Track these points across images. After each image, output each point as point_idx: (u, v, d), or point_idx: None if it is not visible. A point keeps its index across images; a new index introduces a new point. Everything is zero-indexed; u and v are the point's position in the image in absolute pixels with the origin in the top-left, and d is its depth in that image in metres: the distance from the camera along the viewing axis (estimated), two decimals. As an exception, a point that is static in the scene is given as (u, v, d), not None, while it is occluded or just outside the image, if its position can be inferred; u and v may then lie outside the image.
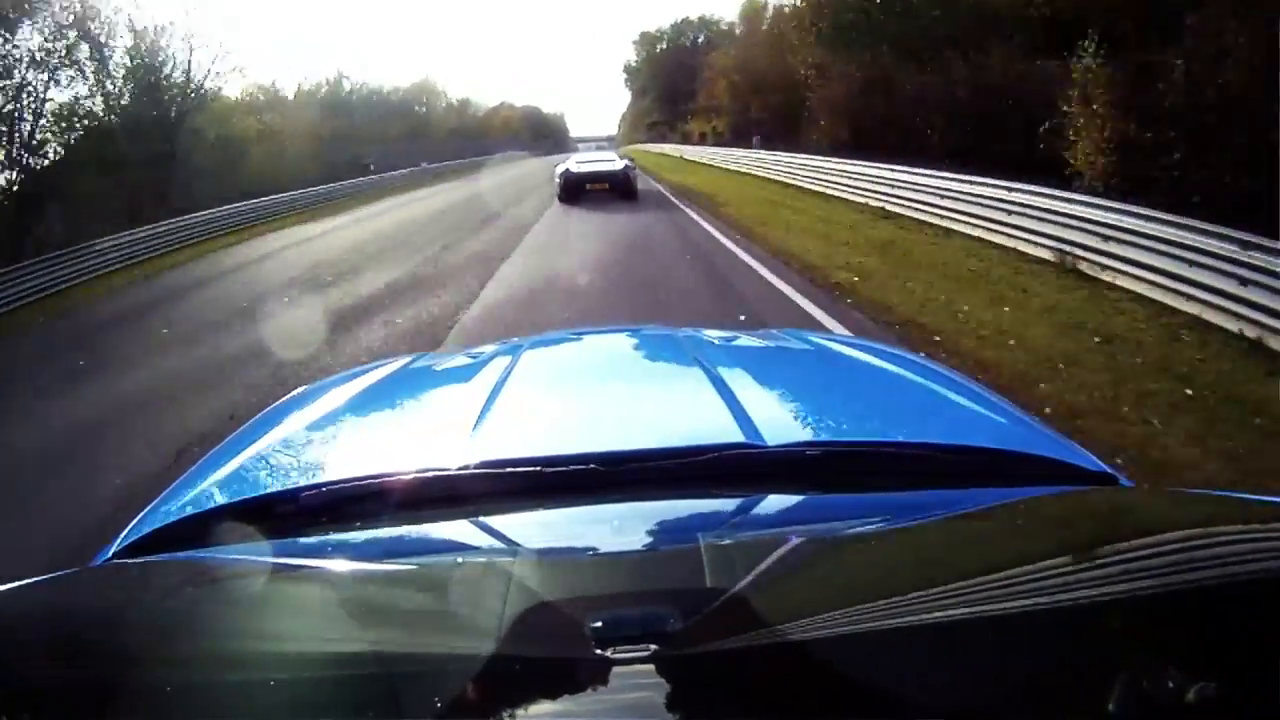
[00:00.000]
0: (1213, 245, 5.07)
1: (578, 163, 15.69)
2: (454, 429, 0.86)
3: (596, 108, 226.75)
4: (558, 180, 15.11)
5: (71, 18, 15.99)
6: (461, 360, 1.35)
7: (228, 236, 15.29)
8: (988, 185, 8.30)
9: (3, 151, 14.47)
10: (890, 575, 0.57)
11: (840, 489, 0.75)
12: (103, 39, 17.19)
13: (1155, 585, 0.53)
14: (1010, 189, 7.82)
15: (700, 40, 45.67)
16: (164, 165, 17.58)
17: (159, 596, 0.62)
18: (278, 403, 1.23)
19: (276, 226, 16.45)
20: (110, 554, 0.81)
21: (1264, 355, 4.43)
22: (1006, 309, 5.56)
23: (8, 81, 14.60)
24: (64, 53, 15.83)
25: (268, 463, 0.91)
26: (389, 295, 7.42)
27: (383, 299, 7.26)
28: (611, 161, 15.68)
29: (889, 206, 10.77)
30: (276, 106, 28.59)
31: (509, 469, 0.76)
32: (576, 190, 14.49)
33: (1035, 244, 7.27)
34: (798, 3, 20.33)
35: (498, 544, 0.69)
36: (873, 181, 11.56)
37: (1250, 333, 4.65)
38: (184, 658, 0.49)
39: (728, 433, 0.81)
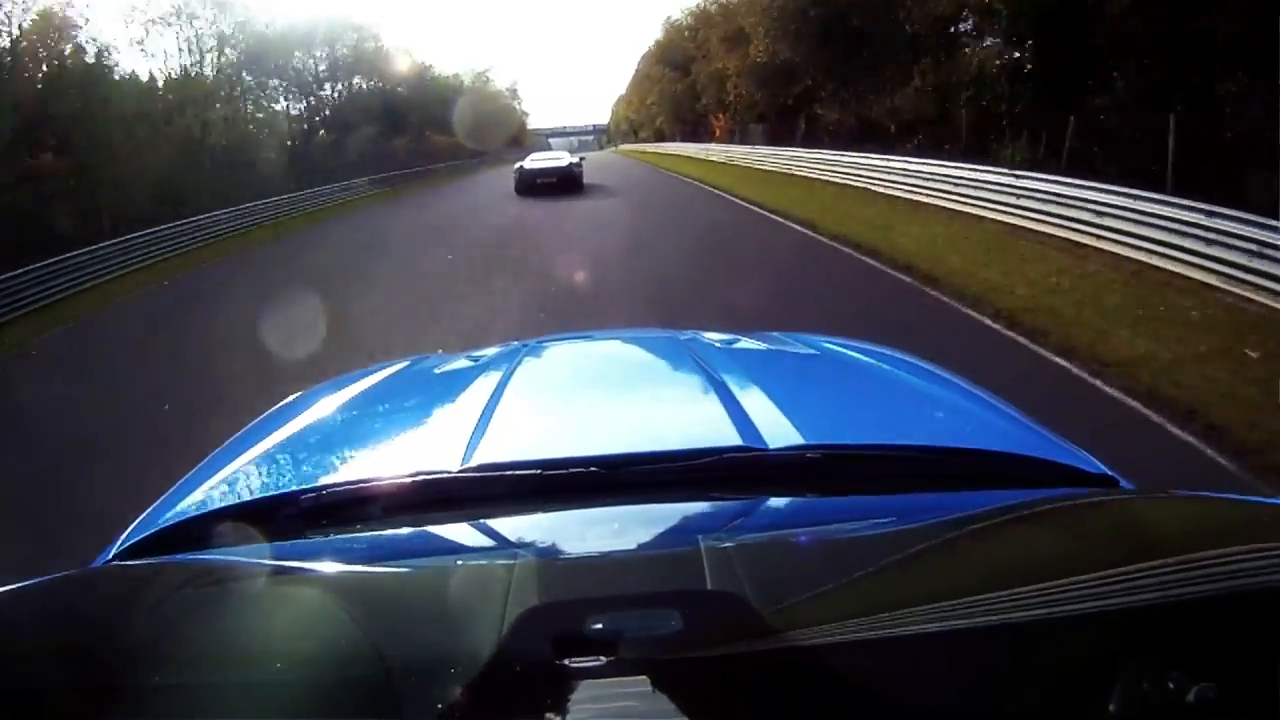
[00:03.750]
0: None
1: (530, 160, 18.82)
2: (455, 432, 0.86)
3: (567, 77, 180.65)
4: (514, 176, 17.90)
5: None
6: (462, 363, 1.35)
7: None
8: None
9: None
10: (891, 579, 0.57)
11: (840, 492, 0.74)
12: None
13: (1157, 588, 0.53)
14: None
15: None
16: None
17: (160, 599, 0.62)
18: (279, 405, 1.23)
19: None
20: (111, 555, 0.81)
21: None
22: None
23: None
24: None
25: (269, 465, 0.91)
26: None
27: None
28: (559, 159, 18.80)
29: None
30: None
31: (509, 472, 0.76)
32: (529, 185, 16.90)
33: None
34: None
35: (498, 547, 0.69)
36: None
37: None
38: (185, 660, 0.49)
39: (728, 436, 0.81)
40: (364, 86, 31.15)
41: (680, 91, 32.63)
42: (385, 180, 25.10)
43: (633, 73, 47.42)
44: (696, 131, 30.98)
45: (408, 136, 31.26)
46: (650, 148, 38.89)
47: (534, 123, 60.35)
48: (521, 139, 48.22)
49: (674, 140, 34.12)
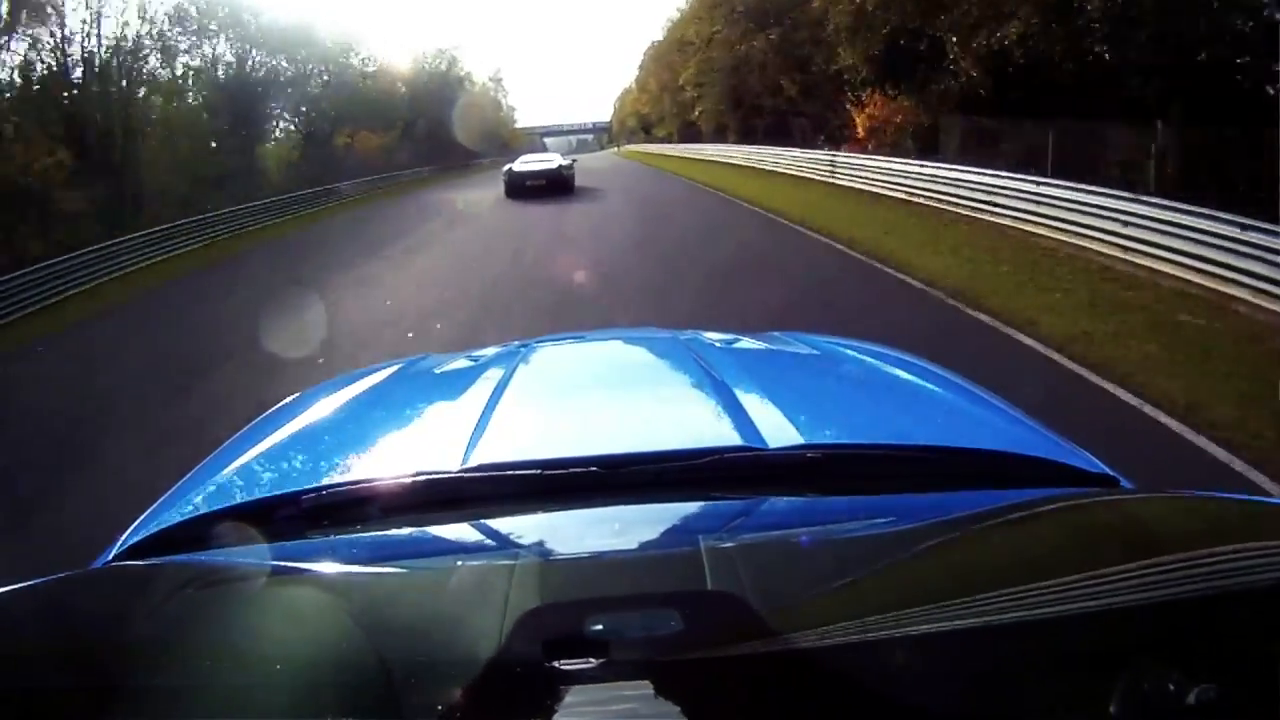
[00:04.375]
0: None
1: (520, 163, 18.70)
2: (455, 432, 0.86)
3: (562, 73, 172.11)
4: (503, 179, 17.86)
5: None
6: (462, 363, 1.35)
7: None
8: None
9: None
10: (891, 579, 0.57)
11: (841, 492, 0.74)
12: None
13: (1157, 587, 0.53)
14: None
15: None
16: None
17: (160, 599, 0.62)
18: (279, 405, 1.23)
19: None
20: (111, 556, 0.81)
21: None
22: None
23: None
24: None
25: (269, 466, 0.91)
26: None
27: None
28: (549, 161, 18.59)
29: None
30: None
31: (510, 472, 0.76)
32: (519, 187, 16.95)
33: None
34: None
35: (498, 547, 0.69)
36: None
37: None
38: (185, 660, 0.49)
39: (729, 435, 0.81)
40: (228, 58, 18.61)
41: (754, 55, 18.16)
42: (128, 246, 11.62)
43: (642, 59, 36.24)
44: (784, 128, 17.77)
45: (301, 135, 20.56)
46: (677, 150, 25.50)
47: (526, 120, 53.85)
48: (510, 140, 39.59)
49: (721, 142, 21.56)
